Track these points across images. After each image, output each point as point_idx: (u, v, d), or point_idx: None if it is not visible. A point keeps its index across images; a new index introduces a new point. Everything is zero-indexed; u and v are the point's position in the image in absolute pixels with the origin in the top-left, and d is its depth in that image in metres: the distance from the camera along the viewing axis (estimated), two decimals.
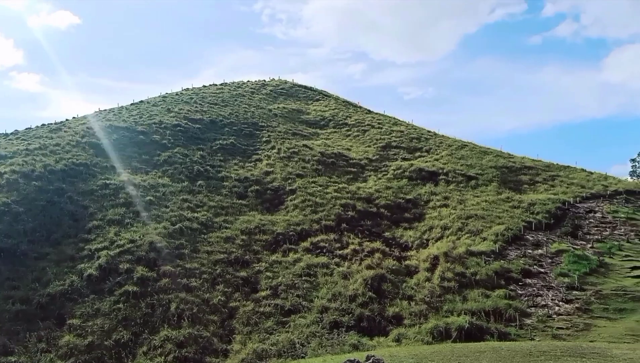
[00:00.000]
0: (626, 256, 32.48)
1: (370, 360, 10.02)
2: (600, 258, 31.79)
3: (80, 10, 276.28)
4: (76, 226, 33.39)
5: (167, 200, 38.29)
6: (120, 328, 24.16)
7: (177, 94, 70.16)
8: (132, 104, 65.03)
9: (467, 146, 58.42)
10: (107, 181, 39.21)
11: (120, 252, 30.02)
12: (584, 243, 34.90)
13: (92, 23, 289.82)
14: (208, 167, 45.99)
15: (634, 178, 56.87)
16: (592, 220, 39.16)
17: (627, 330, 22.69)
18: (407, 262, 32.76)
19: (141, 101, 66.31)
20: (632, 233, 36.30)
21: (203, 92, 71.36)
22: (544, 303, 26.67)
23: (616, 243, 34.40)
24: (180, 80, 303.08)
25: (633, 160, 73.66)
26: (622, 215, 39.79)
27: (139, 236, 31.86)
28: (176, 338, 23.69)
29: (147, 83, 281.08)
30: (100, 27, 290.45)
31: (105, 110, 61.36)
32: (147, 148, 47.89)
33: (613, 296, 26.64)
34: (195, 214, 36.54)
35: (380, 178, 47.91)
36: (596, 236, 35.92)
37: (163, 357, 22.52)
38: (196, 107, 62.62)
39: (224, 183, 43.36)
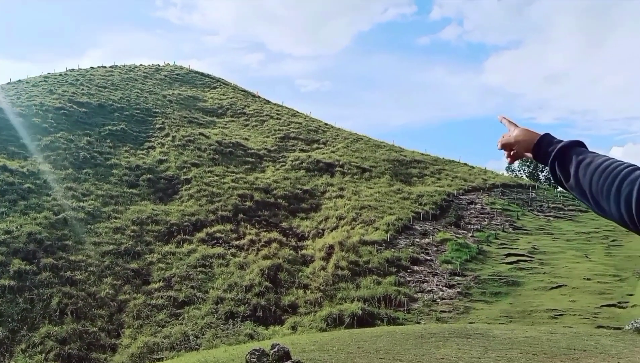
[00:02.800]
0: (501, 244, 35.42)
1: (276, 349, 10.02)
2: (479, 246, 34.38)
3: None
4: None
5: (48, 188, 35.51)
6: None
7: (60, 75, 65.09)
8: (8, 83, 59.43)
9: (362, 139, 60.30)
10: None
11: None
12: (466, 232, 37.53)
13: None
14: (96, 154, 43.28)
15: (509, 172, 61.99)
16: (472, 211, 42.21)
17: (502, 312, 24.78)
18: (303, 252, 33.21)
19: (19, 81, 60.77)
20: (506, 223, 39.67)
21: (90, 74, 66.88)
22: (430, 288, 28.34)
23: (493, 232, 37.40)
24: (63, 60, 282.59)
25: None
26: (499, 207, 43.35)
27: (16, 227, 29.26)
28: (58, 334, 22.16)
29: (25, 61, 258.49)
30: None
31: None
32: (26, 132, 43.99)
33: (490, 281, 28.94)
34: (81, 204, 34.28)
35: (278, 169, 48.02)
36: (476, 226, 38.78)
37: (44, 355, 20.96)
38: (83, 89, 58.56)
39: (114, 171, 41.06)
